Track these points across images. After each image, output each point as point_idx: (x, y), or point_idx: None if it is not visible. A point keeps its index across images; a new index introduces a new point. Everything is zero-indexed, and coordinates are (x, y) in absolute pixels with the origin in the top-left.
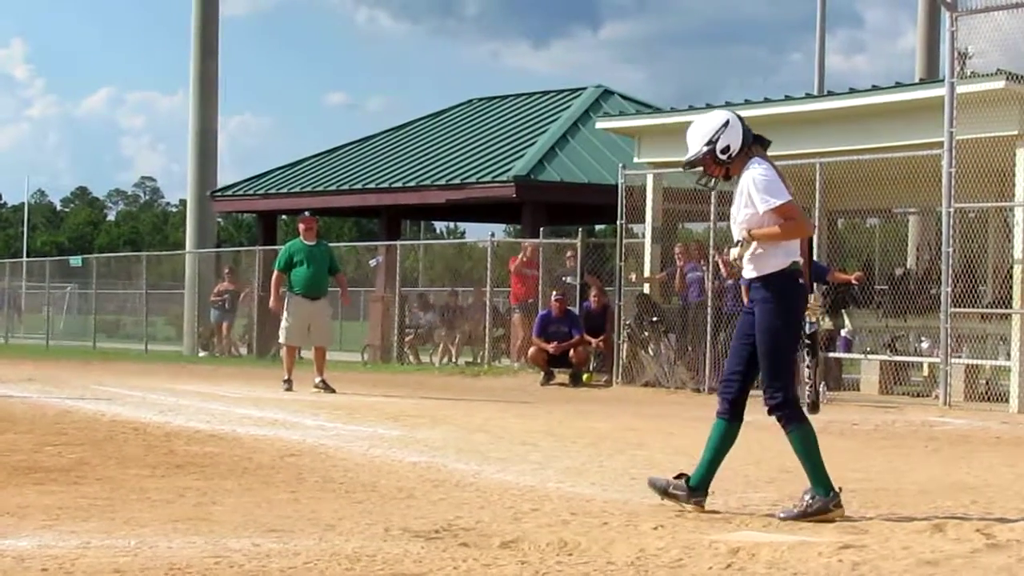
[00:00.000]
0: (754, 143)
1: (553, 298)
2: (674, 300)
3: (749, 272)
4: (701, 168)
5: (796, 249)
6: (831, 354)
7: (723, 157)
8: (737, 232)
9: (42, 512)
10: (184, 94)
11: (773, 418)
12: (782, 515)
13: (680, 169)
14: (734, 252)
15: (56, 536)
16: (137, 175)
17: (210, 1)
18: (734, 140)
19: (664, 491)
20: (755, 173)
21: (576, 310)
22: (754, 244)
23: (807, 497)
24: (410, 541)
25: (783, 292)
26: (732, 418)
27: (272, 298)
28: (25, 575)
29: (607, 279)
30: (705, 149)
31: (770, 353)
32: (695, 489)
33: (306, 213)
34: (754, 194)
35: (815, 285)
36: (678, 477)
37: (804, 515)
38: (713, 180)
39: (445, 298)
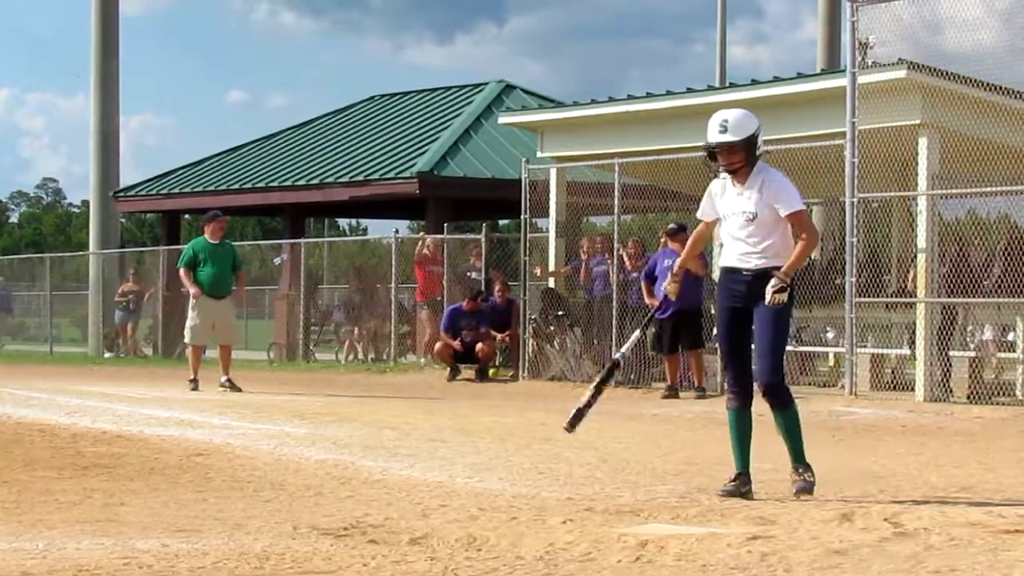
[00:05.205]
0: None
1: (467, 299)
2: (579, 294)
3: (758, 262)
4: (717, 153)
5: None
6: None
7: (757, 153)
8: (743, 221)
9: None
10: (84, 96)
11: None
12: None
13: (580, 162)
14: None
15: None
16: (39, 176)
17: (109, 1)
18: (762, 144)
19: None
20: (782, 176)
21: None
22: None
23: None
24: (319, 539)
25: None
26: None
27: (191, 287)
28: None
29: (512, 274)
30: (744, 141)
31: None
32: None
33: (217, 213)
34: (789, 192)
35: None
36: None
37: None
38: (721, 168)
39: (350, 295)
